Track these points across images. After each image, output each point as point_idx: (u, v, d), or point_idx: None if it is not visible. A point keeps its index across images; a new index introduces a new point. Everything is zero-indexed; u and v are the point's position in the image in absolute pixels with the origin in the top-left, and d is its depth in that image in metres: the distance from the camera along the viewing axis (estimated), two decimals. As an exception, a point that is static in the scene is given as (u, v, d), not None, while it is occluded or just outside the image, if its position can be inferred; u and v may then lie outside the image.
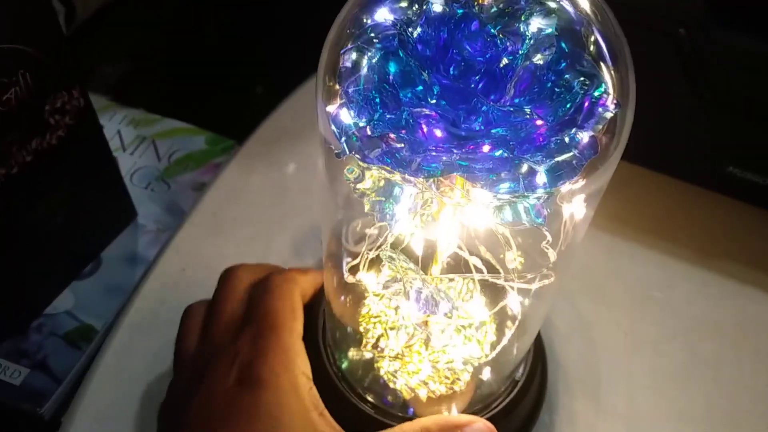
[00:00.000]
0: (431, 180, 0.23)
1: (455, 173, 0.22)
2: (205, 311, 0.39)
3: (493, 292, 0.36)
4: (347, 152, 0.23)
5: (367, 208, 0.28)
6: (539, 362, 0.39)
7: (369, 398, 0.36)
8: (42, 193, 0.49)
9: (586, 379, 0.43)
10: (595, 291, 0.47)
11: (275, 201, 0.52)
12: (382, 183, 0.28)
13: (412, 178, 0.23)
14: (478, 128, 0.23)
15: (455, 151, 0.22)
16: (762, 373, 0.44)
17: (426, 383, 0.36)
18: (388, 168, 0.22)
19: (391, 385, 0.36)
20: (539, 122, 0.23)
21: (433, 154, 0.22)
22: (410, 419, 0.35)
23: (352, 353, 0.38)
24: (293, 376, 0.33)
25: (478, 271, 0.33)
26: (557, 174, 0.22)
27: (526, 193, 0.22)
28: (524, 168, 0.22)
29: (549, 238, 0.29)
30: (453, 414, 0.35)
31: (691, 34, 0.42)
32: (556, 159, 0.22)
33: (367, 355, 0.37)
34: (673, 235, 0.50)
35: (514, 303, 0.33)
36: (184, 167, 0.63)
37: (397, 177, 0.24)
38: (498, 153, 0.22)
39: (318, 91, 0.25)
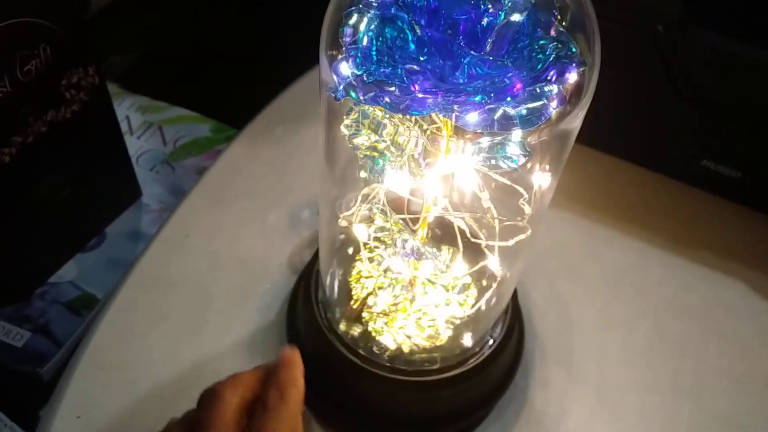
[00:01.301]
0: (420, 123, 0.27)
1: (439, 113, 0.25)
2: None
3: (474, 258, 0.39)
4: (343, 94, 0.27)
5: (360, 161, 0.32)
6: (516, 325, 0.42)
7: (357, 350, 0.39)
8: (54, 164, 0.51)
9: (561, 350, 0.46)
10: (572, 272, 0.50)
11: (274, 178, 0.55)
12: (374, 140, 0.31)
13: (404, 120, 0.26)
14: (461, 81, 0.27)
15: (440, 95, 0.25)
16: (726, 351, 0.47)
17: (410, 337, 0.39)
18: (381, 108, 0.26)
19: (378, 338, 0.39)
20: (513, 79, 0.26)
21: (420, 96, 0.25)
22: (394, 369, 0.38)
23: (342, 309, 0.41)
24: None
25: (462, 232, 0.36)
26: (528, 118, 0.25)
27: (500, 132, 0.25)
28: (499, 113, 0.25)
29: (525, 195, 0.32)
30: None
31: (669, 31, 0.45)
32: (528, 106, 0.25)
33: (356, 311, 0.40)
34: (648, 224, 0.53)
35: (493, 263, 0.36)
36: (189, 152, 0.66)
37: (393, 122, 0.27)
38: (477, 98, 0.25)
39: (322, 46, 0.29)
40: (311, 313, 0.40)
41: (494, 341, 0.40)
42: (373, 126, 0.31)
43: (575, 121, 0.28)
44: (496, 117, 0.25)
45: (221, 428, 0.33)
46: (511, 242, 0.34)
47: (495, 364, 0.39)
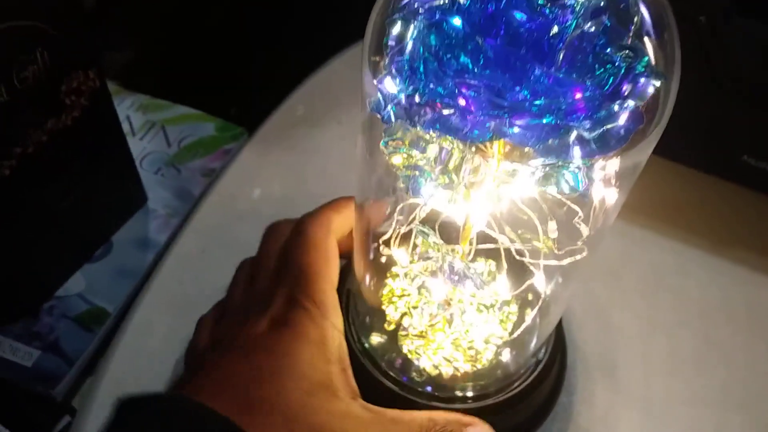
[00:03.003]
0: (473, 146, 0.24)
1: (504, 139, 0.22)
2: (251, 265, 0.40)
3: (517, 276, 0.36)
4: (391, 119, 0.24)
5: (401, 180, 0.29)
6: (560, 345, 0.39)
7: (392, 374, 0.36)
8: (56, 174, 0.48)
9: (604, 361, 0.43)
10: (610, 277, 0.48)
11: (291, 184, 0.52)
12: (415, 159, 0.28)
13: (460, 144, 0.23)
14: (521, 98, 0.24)
15: (504, 117, 0.22)
16: (776, 358, 0.45)
17: (449, 361, 0.36)
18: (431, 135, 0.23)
19: (415, 362, 0.37)
20: (578, 95, 0.23)
21: (481, 119, 0.22)
22: (434, 396, 0.36)
23: (376, 331, 0.38)
24: (322, 327, 0.33)
25: (506, 250, 0.33)
26: (605, 142, 0.22)
27: (573, 161, 0.22)
28: (573, 136, 0.22)
29: (580, 213, 0.29)
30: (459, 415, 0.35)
31: (712, 21, 0.43)
32: (605, 127, 0.22)
33: (391, 333, 0.37)
34: (686, 224, 0.51)
35: (540, 282, 0.34)
36: (194, 153, 0.63)
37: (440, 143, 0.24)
38: (546, 120, 0.22)
39: (365, 54, 0.26)
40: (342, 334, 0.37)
41: (538, 364, 0.37)
42: (413, 142, 0.28)
43: (650, 147, 0.25)
44: (570, 140, 0.22)
45: (273, 254, 0.38)
46: (564, 262, 0.31)
47: (539, 388, 0.36)
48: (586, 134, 0.22)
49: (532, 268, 0.34)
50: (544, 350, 0.38)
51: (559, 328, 0.39)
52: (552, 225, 0.27)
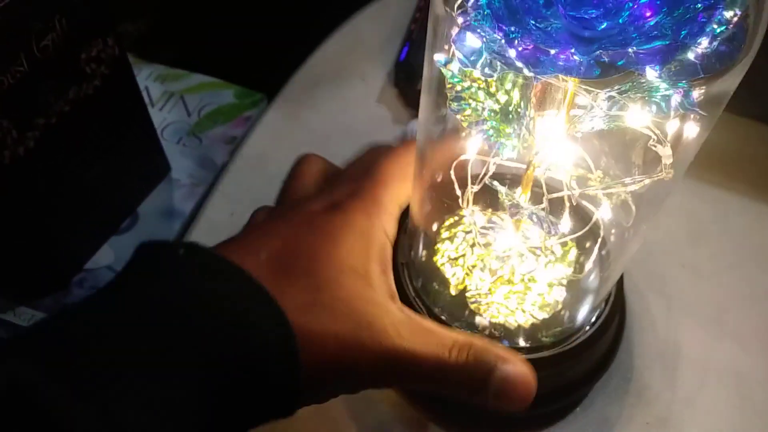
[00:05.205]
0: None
1: (628, 69, 0.20)
2: (325, 165, 0.39)
3: (579, 221, 0.34)
4: (491, 72, 0.22)
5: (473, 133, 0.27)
6: (619, 302, 0.36)
7: (452, 324, 0.34)
8: (80, 144, 0.46)
9: (653, 311, 0.41)
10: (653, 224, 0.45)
11: (318, 144, 0.49)
12: (485, 114, 0.26)
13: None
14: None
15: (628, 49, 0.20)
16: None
17: (513, 312, 0.34)
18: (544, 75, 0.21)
19: (485, 313, 0.35)
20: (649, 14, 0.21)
21: (597, 53, 0.20)
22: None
23: (438, 290, 0.36)
24: (371, 223, 0.32)
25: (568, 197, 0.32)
26: (724, 54, 0.20)
27: (701, 78, 0.20)
28: (690, 54, 0.20)
29: (656, 133, 0.27)
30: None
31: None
32: (721, 38, 0.20)
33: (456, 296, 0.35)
34: (725, 169, 0.48)
35: (605, 212, 0.32)
36: (215, 121, 0.61)
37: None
38: (657, 43, 0.20)
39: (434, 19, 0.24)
40: (396, 278, 0.35)
41: (600, 315, 0.35)
42: (476, 96, 0.26)
43: (743, 71, 0.23)
44: (687, 59, 0.20)
45: (356, 162, 0.37)
46: (647, 180, 0.28)
47: (602, 339, 0.34)
48: (704, 50, 0.20)
49: (589, 206, 0.32)
50: (603, 305, 0.36)
51: (620, 285, 0.37)
52: (666, 151, 0.25)
